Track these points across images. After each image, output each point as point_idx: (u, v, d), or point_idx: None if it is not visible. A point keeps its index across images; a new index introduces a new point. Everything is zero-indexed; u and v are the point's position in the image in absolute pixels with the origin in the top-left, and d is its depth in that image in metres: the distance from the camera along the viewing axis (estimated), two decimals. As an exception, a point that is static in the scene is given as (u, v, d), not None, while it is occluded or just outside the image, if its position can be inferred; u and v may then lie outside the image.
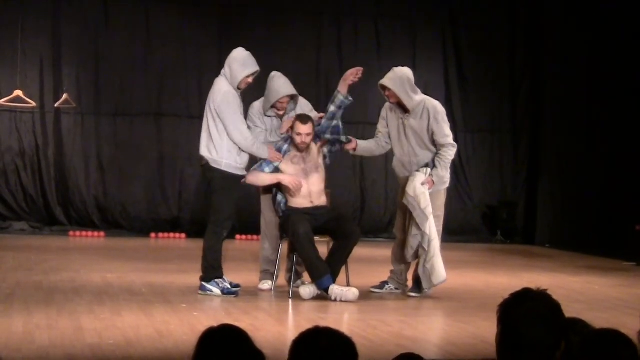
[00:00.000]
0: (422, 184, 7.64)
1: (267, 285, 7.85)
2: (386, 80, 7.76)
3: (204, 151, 7.49)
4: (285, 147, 7.70)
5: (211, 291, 7.39)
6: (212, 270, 7.46)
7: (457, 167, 13.70)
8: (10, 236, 11.78)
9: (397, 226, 8.02)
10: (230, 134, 7.33)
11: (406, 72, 7.80)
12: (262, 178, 7.69)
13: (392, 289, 8.00)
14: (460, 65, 13.84)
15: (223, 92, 7.37)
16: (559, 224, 13.39)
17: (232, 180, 7.45)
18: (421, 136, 7.77)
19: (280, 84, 7.76)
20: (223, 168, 7.40)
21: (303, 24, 13.32)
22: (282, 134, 7.80)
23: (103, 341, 5.51)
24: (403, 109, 7.79)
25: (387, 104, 7.95)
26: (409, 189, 7.65)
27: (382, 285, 8.02)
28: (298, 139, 7.59)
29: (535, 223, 13.61)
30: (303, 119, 7.63)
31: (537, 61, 13.79)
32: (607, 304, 7.90)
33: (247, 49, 7.63)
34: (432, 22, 13.77)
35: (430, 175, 7.70)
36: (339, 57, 13.41)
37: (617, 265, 11.07)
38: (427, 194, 7.61)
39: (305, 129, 7.57)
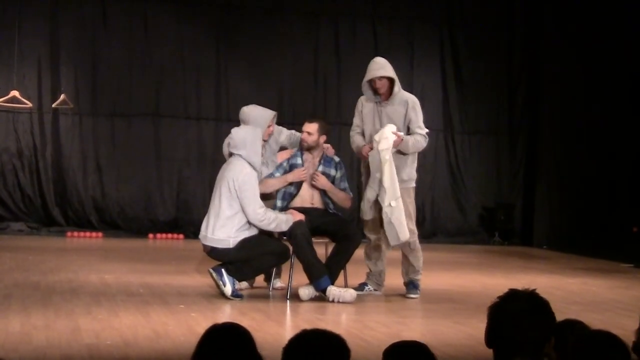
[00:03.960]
0: (392, 132, 7.58)
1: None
2: (390, 72, 7.77)
3: (209, 232, 7.30)
4: (300, 161, 7.75)
5: (224, 284, 7.23)
6: (242, 274, 7.38)
7: (454, 168, 13.71)
8: (8, 237, 11.78)
9: (368, 227, 7.91)
10: (248, 214, 7.25)
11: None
12: (271, 184, 7.71)
13: (371, 290, 7.96)
14: (458, 66, 13.84)
15: (245, 173, 7.30)
16: (557, 225, 13.40)
17: (241, 239, 7.31)
18: (395, 123, 7.74)
19: (260, 111, 7.79)
20: (232, 246, 7.27)
21: (300, 24, 13.32)
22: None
23: (100, 342, 5.51)
24: (383, 96, 7.78)
25: (362, 97, 7.94)
26: (376, 135, 7.64)
27: (362, 286, 7.93)
28: (302, 136, 7.76)
29: (533, 224, 13.62)
30: (310, 119, 7.95)
31: (534, 62, 13.80)
32: (604, 305, 7.90)
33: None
34: (430, 23, 13.78)
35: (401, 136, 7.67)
36: (337, 58, 13.43)
37: (615, 266, 11.08)
38: (390, 140, 7.52)
39: (306, 126, 7.74)
